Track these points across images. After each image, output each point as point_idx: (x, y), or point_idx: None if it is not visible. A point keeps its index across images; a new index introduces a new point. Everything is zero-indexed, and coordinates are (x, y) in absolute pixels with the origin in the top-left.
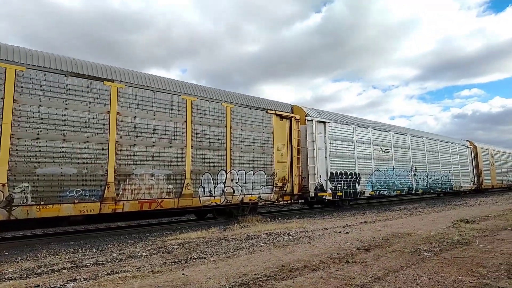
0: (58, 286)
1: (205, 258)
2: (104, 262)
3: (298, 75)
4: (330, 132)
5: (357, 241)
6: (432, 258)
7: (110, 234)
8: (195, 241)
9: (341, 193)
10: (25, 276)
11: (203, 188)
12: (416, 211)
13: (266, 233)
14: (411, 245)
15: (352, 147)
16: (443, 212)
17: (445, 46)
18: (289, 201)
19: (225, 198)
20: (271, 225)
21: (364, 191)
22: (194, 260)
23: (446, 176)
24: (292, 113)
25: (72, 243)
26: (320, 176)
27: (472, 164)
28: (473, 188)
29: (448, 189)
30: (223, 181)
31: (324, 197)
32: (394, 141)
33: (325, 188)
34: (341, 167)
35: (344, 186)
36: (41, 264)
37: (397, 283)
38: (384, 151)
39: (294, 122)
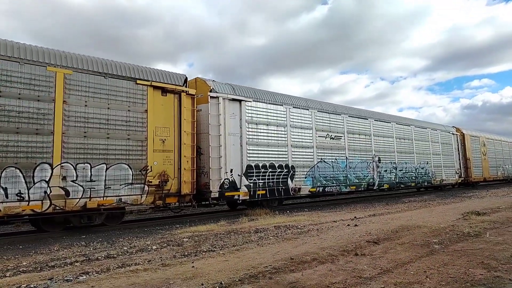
0: (71, 278)
1: (214, 251)
2: (115, 255)
3: (304, 67)
4: (249, 113)
5: (366, 233)
6: (442, 251)
7: (121, 228)
8: (204, 234)
9: (263, 191)
10: (39, 269)
11: (4, 189)
12: (426, 203)
13: (274, 226)
14: (421, 237)
15: (283, 133)
16: (453, 204)
17: (454, 36)
18: (175, 203)
19: (51, 204)
20: (279, 218)
21: (299, 188)
22: (203, 253)
23: (423, 168)
24: (186, 87)
25: (84, 236)
26: (231, 170)
27: (459, 153)
28: (459, 181)
29: (426, 183)
30: (46, 179)
31: (236, 196)
32: (348, 126)
33: (238, 186)
34: (266, 159)
35: (269, 182)
36: (54, 257)
37: (406, 276)
38: (333, 138)
39: (186, 99)
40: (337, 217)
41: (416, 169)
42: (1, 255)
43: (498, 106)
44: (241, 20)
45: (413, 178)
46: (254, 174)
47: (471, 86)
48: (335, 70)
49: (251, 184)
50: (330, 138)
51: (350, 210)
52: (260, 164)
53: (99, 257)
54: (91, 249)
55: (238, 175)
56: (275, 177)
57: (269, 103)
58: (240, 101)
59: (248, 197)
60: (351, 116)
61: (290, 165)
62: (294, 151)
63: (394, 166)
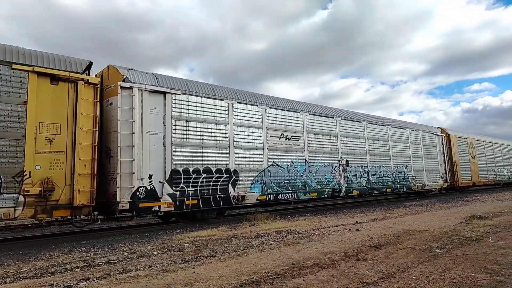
0: (71, 285)
1: (215, 256)
2: (116, 261)
3: (305, 72)
4: (177, 108)
5: (367, 238)
6: (444, 255)
7: (121, 233)
8: (205, 239)
9: (194, 201)
10: (39, 275)
11: None
12: (427, 208)
13: (275, 231)
14: (423, 242)
15: (224, 132)
16: (455, 208)
17: (454, 40)
18: (68, 217)
19: None
20: (280, 223)
21: (243, 196)
22: (204, 259)
23: (401, 173)
24: (87, 74)
25: (84, 242)
26: (150, 176)
27: (444, 156)
28: (445, 186)
29: (405, 189)
30: None
31: (156, 208)
32: (309, 126)
33: (159, 195)
34: (199, 162)
35: (203, 190)
36: (55, 263)
37: (408, 281)
38: (289, 139)
39: (85, 89)
40: (338, 222)
41: (392, 174)
42: (2, 261)
43: (498, 110)
44: (241, 25)
45: (389, 183)
46: (182, 180)
47: (472, 90)
48: (335, 74)
49: (178, 193)
50: (286, 139)
51: (352, 214)
52: (191, 169)
53: (99, 263)
54: (92, 254)
55: (160, 182)
56: (211, 184)
57: (206, 97)
58: (164, 93)
59: (172, 208)
60: (313, 114)
61: (232, 170)
62: (238, 154)
63: (366, 170)
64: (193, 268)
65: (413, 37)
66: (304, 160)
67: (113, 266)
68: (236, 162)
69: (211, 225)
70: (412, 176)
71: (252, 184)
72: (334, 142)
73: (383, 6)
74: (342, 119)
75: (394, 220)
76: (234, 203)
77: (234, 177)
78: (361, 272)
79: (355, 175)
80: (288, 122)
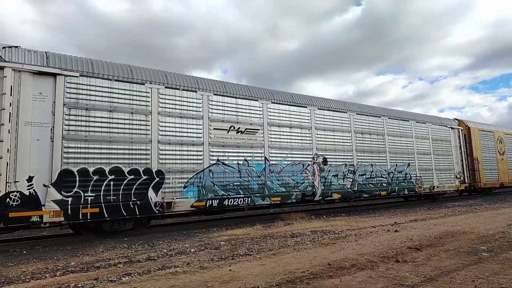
0: (115, 279)
1: (251, 254)
2: (156, 258)
3: (339, 69)
4: (72, 94)
5: (407, 239)
6: (492, 259)
7: (161, 230)
8: (240, 237)
9: (96, 209)
10: (85, 269)
11: None
12: (472, 208)
13: (311, 230)
14: (467, 244)
15: (143, 124)
16: (503, 209)
17: (499, 31)
18: None
19: None
20: (315, 223)
21: (171, 202)
22: (240, 257)
23: (401, 172)
24: None
25: (126, 239)
26: (30, 178)
27: (461, 153)
28: (462, 188)
29: (406, 191)
30: None
31: (35, 218)
32: (271, 116)
33: (42, 201)
34: (104, 160)
35: (109, 195)
36: (99, 258)
37: (452, 285)
38: (241, 132)
39: None
40: (376, 223)
41: (389, 174)
42: (52, 255)
43: None
44: (273, 24)
45: (384, 185)
46: (78, 184)
47: None
48: (370, 71)
49: (70, 199)
50: (237, 132)
51: (390, 215)
52: (92, 169)
53: (140, 259)
54: (133, 251)
55: (44, 185)
56: (121, 187)
57: (118, 80)
58: (55, 75)
59: (62, 218)
60: (277, 103)
61: (154, 170)
62: (165, 150)
63: (352, 169)
64: (230, 266)
65: (453, 30)
66: (263, 158)
67: (153, 262)
68: (161, 161)
69: (246, 224)
70: (416, 176)
71: (185, 187)
72: (307, 136)
73: None
74: (319, 109)
75: (435, 221)
76: (157, 211)
77: (157, 179)
78: (400, 274)
79: (336, 175)
80: (242, 112)
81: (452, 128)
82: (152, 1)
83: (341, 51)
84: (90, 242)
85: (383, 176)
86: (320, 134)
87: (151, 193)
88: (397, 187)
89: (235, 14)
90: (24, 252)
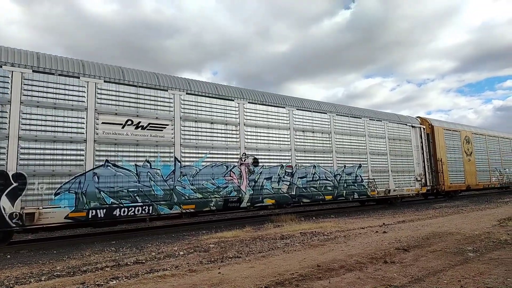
0: (102, 283)
1: (240, 257)
2: (144, 261)
3: (328, 72)
4: None
5: (395, 240)
6: (477, 259)
7: (149, 233)
8: (230, 240)
9: None
10: (72, 273)
11: None
12: (458, 209)
13: (300, 232)
14: (454, 245)
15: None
16: (488, 210)
17: (484, 36)
18: None
19: None
20: (305, 224)
21: (34, 213)
22: (229, 259)
23: (350, 174)
24: None
25: (114, 242)
26: None
27: (423, 153)
28: (423, 191)
29: (357, 196)
30: None
31: None
32: (186, 111)
33: None
34: None
35: None
36: (86, 262)
37: (439, 285)
38: (144, 128)
39: None
40: (364, 224)
41: (335, 176)
42: (37, 260)
43: None
44: (264, 27)
45: (329, 188)
46: None
47: (504, 86)
48: (359, 74)
49: None
50: (136, 127)
51: (379, 216)
52: None
53: (128, 263)
54: (121, 254)
55: None
56: None
57: None
58: None
59: None
60: (193, 94)
61: (11, 173)
62: (30, 149)
63: (289, 171)
64: (219, 268)
65: (440, 34)
66: (172, 159)
67: (141, 265)
68: (23, 162)
69: (235, 226)
70: (369, 178)
71: (57, 194)
72: (233, 134)
73: (407, 3)
74: (249, 102)
75: (423, 222)
76: (14, 224)
77: (15, 184)
78: (388, 275)
79: (270, 178)
80: (144, 104)
81: (413, 126)
82: (142, 3)
83: (330, 54)
84: (76, 245)
85: (329, 178)
86: (250, 132)
87: (4, 202)
88: (345, 191)
89: (227, 16)
90: (8, 256)
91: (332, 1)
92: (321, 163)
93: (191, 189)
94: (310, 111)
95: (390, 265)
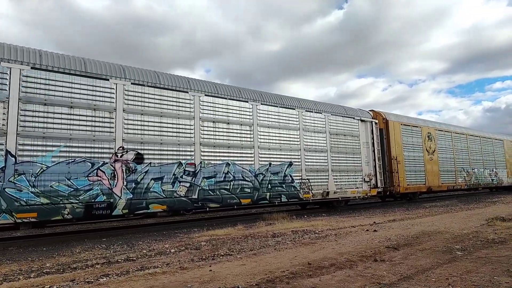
0: (92, 280)
1: (231, 255)
2: (135, 258)
3: (320, 71)
4: None
5: (385, 239)
6: (465, 257)
7: (140, 231)
8: (221, 238)
9: None
10: (61, 270)
11: None
12: (448, 209)
13: (292, 230)
14: (443, 243)
15: None
16: (477, 209)
17: (474, 37)
18: None
19: None
20: (297, 222)
21: None
22: (221, 257)
23: (277, 174)
24: None
25: (104, 239)
26: None
27: (374, 151)
28: (372, 193)
29: (285, 198)
30: None
31: None
32: (29, 90)
33: None
34: None
35: None
36: (76, 259)
37: (427, 283)
38: None
39: None
40: (355, 222)
41: (257, 175)
42: (26, 257)
43: None
44: (256, 26)
45: (247, 190)
46: None
47: (493, 88)
48: (351, 74)
49: None
50: None
51: (369, 215)
52: None
53: (119, 260)
54: (112, 251)
55: None
56: None
57: None
58: None
59: None
60: (40, 69)
61: None
62: None
63: (191, 170)
64: (210, 266)
65: (431, 35)
66: (3, 152)
67: (132, 263)
68: None
69: (227, 224)
70: (302, 179)
71: None
72: (104, 122)
73: (399, 4)
74: (134, 83)
75: (413, 221)
76: None
77: None
78: (378, 273)
79: (160, 178)
80: None
81: (362, 120)
82: None
83: (323, 53)
84: (67, 242)
85: (247, 178)
86: (133, 120)
87: None
88: (269, 193)
89: (219, 15)
90: None
91: (325, 0)
92: (237, 160)
93: (32, 192)
94: (225, 98)
95: (380, 263)
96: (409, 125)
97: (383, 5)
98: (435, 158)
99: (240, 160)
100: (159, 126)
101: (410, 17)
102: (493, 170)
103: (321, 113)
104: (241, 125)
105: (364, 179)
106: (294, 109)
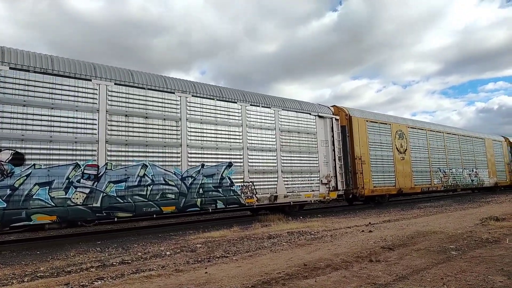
0: (86, 284)
1: (227, 257)
2: (130, 261)
3: (315, 73)
4: None
5: (380, 239)
6: (460, 257)
7: (135, 233)
8: (217, 240)
9: None
10: (55, 274)
11: None
12: (442, 209)
13: (287, 232)
14: (437, 243)
15: None
16: (471, 209)
17: (467, 39)
18: None
19: None
20: (292, 224)
21: None
22: (216, 259)
23: (212, 176)
24: None
25: (99, 242)
26: None
27: (335, 149)
28: (332, 196)
29: (222, 204)
30: None
31: None
32: None
33: None
34: None
35: None
36: (71, 262)
37: (422, 283)
38: None
39: None
40: (351, 223)
41: (184, 179)
42: (20, 260)
43: None
44: (252, 27)
45: (171, 196)
46: None
47: (486, 89)
48: (346, 75)
49: None
50: None
51: (365, 216)
52: None
53: (114, 263)
54: (106, 254)
55: None
56: None
57: None
58: None
59: None
60: None
61: None
62: None
63: (92, 172)
64: (206, 268)
65: (425, 37)
66: None
67: (127, 266)
68: None
69: (223, 226)
70: (243, 182)
71: None
72: None
73: (393, 6)
74: (12, 68)
75: (408, 222)
76: None
77: None
78: (373, 273)
79: (48, 182)
80: None
81: (319, 116)
82: (128, 0)
83: (318, 54)
84: (61, 246)
85: (171, 182)
86: (11, 113)
87: None
88: (200, 199)
89: (215, 15)
90: None
91: (320, 2)
92: (158, 161)
93: None
94: (144, 88)
95: (375, 263)
96: (376, 122)
97: (377, 7)
98: (407, 157)
99: (162, 161)
100: (48, 121)
101: (404, 19)
102: (473, 170)
103: (269, 107)
104: (164, 119)
105: (322, 181)
106: (235, 102)
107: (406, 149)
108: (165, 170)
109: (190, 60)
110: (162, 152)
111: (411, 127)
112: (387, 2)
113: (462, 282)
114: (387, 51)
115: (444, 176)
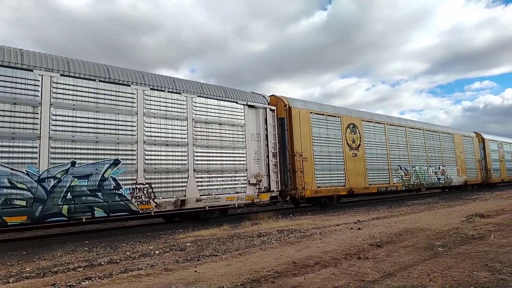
0: (73, 284)
1: (217, 255)
2: (118, 261)
3: (305, 72)
4: None
5: (369, 237)
6: (446, 253)
7: (124, 233)
8: (207, 238)
9: None
10: (42, 274)
11: None
12: (430, 206)
13: (277, 230)
14: (424, 240)
15: None
16: (457, 207)
17: (454, 39)
18: None
19: None
20: (282, 222)
21: None
22: (206, 258)
23: (85, 177)
24: None
25: (87, 242)
26: None
27: (268, 144)
28: (262, 199)
29: (102, 212)
30: None
31: None
32: None
33: None
34: None
35: None
36: (57, 263)
37: (409, 279)
38: None
39: None
40: (340, 221)
41: (42, 181)
42: (5, 261)
43: (500, 108)
44: (242, 26)
45: (21, 204)
46: None
47: (473, 88)
48: (335, 74)
49: None
50: None
51: (353, 213)
52: None
53: (102, 262)
54: (94, 254)
55: None
56: None
57: None
58: None
59: None
60: None
61: None
62: None
63: None
64: (195, 267)
65: (413, 36)
66: None
67: (115, 265)
68: None
69: (213, 224)
70: (136, 183)
71: None
72: None
73: (382, 6)
74: None
75: (396, 219)
76: None
77: None
78: (362, 270)
79: None
80: None
81: (249, 106)
82: None
83: (307, 53)
84: (47, 246)
85: (20, 185)
86: None
87: None
88: (67, 206)
89: (204, 14)
90: None
91: (309, 1)
92: (1, 157)
93: None
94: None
95: (363, 261)
96: (323, 114)
97: (366, 7)
98: (360, 154)
99: (7, 158)
100: None
101: (393, 19)
102: (439, 168)
103: (180, 93)
104: (14, 104)
105: (249, 181)
106: (129, 85)
107: (359, 145)
108: (11, 169)
109: (179, 58)
110: (7, 146)
111: (366, 121)
112: (376, 2)
113: (448, 278)
114: (376, 50)
115: (406, 175)
